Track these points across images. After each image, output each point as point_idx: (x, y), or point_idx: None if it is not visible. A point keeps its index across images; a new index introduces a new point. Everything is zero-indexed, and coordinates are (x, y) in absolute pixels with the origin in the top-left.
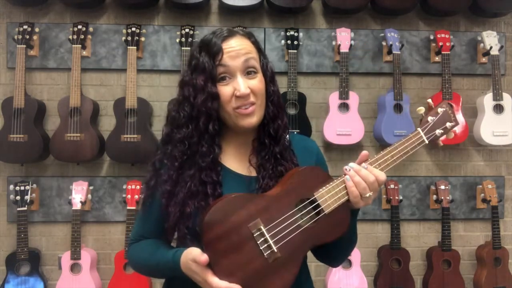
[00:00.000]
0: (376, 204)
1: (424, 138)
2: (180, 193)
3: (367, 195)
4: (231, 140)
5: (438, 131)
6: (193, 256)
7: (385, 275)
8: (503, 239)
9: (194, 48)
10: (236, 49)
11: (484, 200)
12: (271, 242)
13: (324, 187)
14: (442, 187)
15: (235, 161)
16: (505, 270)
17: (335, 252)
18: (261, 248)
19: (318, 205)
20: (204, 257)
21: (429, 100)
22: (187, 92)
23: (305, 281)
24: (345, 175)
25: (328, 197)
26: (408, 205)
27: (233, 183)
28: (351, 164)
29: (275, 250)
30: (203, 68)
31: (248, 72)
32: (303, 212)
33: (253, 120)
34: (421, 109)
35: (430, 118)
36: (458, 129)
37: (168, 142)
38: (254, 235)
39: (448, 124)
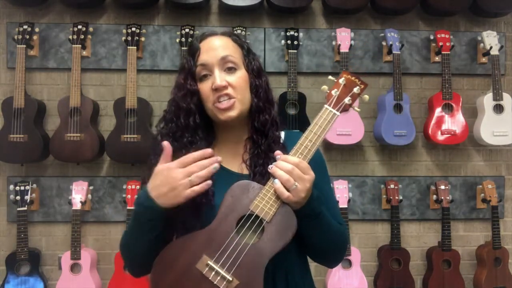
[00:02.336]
0: (376, 204)
1: (334, 111)
2: None
3: (293, 186)
4: (225, 139)
5: (346, 99)
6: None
7: (385, 275)
8: (503, 239)
9: (184, 54)
10: (213, 46)
11: (484, 200)
12: (223, 272)
13: (257, 197)
14: (442, 187)
15: (228, 159)
16: (505, 270)
17: (321, 256)
18: (215, 283)
19: (257, 217)
20: (166, 143)
21: (330, 77)
22: (174, 92)
23: (306, 280)
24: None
25: (263, 205)
26: (408, 205)
27: (224, 180)
28: (273, 164)
29: (230, 279)
30: (183, 67)
31: (228, 68)
32: (245, 229)
33: (232, 113)
34: (325, 88)
35: (333, 92)
36: (361, 95)
37: (160, 138)
38: (204, 273)
39: (355, 89)
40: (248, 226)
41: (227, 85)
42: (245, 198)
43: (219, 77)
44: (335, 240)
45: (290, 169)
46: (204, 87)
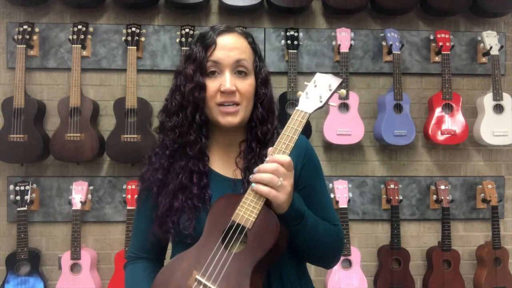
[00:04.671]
0: (376, 204)
1: (305, 110)
2: (171, 184)
3: (279, 183)
4: (218, 142)
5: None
6: None
7: (385, 275)
8: (503, 239)
9: (192, 40)
10: (230, 46)
11: (484, 200)
12: (209, 285)
13: (239, 206)
14: (442, 187)
15: (221, 163)
16: (505, 270)
17: (316, 259)
18: None
19: (238, 225)
20: None
21: (305, 82)
22: (178, 81)
23: (302, 279)
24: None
25: (243, 213)
26: (408, 205)
27: (219, 186)
28: (255, 169)
29: None
30: (195, 58)
31: (239, 71)
32: (230, 239)
33: (234, 120)
34: (300, 93)
35: (305, 92)
36: (341, 93)
37: (161, 131)
38: (193, 287)
39: (329, 85)
40: (231, 236)
41: (235, 91)
42: (228, 210)
43: (229, 81)
44: (326, 241)
45: (275, 168)
46: (211, 85)
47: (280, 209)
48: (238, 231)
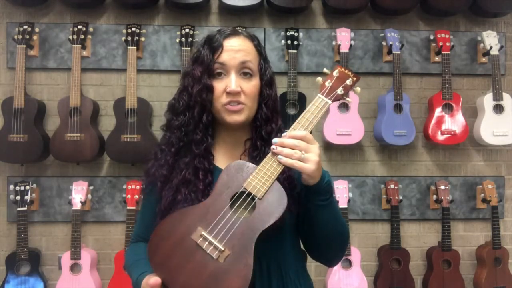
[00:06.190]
0: (376, 204)
1: (326, 99)
2: (175, 179)
3: (303, 156)
4: (223, 139)
5: (339, 90)
6: (148, 284)
7: (385, 275)
8: (503, 239)
9: (199, 42)
10: (236, 48)
11: (484, 200)
12: (215, 242)
13: (251, 176)
14: (442, 187)
15: (226, 160)
16: (505, 270)
17: (326, 248)
18: (208, 251)
19: (250, 194)
20: (153, 280)
21: (325, 70)
22: (186, 82)
23: (302, 277)
24: (273, 154)
25: (256, 183)
26: (408, 205)
27: None
28: (274, 140)
29: (222, 249)
30: (202, 60)
31: (244, 73)
32: (238, 205)
33: (239, 118)
34: (319, 79)
35: (327, 83)
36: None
37: (168, 128)
38: (198, 242)
39: (347, 81)
40: (241, 202)
41: (241, 91)
42: (239, 176)
43: (235, 82)
44: (341, 228)
45: (296, 143)
46: (218, 86)
47: (312, 180)
48: (249, 199)
